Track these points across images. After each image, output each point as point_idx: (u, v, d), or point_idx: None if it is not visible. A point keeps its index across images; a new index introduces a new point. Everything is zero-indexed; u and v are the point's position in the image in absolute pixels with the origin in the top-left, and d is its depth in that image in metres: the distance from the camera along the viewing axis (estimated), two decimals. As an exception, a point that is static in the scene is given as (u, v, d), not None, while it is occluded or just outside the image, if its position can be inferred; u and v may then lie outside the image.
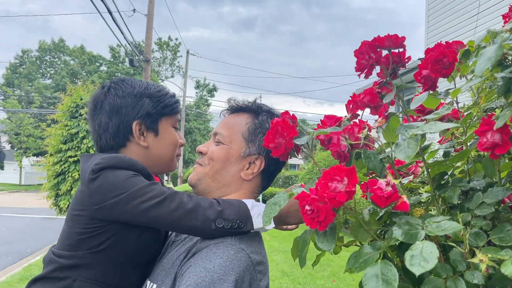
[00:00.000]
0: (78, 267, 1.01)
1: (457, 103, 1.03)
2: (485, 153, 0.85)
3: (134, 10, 15.86)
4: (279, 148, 0.91)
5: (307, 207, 0.77)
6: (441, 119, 1.12)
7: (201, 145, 1.15)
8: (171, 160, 1.20)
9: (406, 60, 0.99)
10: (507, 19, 1.06)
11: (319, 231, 0.79)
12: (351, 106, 1.03)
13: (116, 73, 34.63)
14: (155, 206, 0.94)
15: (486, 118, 0.73)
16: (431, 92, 1.03)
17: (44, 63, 38.89)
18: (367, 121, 0.96)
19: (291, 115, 1.01)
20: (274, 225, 1.01)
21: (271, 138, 0.91)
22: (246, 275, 0.89)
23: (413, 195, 1.25)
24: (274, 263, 6.77)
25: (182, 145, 1.24)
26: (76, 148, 7.90)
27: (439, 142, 1.18)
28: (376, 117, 1.05)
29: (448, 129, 1.12)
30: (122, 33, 12.89)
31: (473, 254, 0.74)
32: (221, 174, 1.09)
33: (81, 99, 9.16)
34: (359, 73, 0.98)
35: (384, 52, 0.98)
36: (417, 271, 0.65)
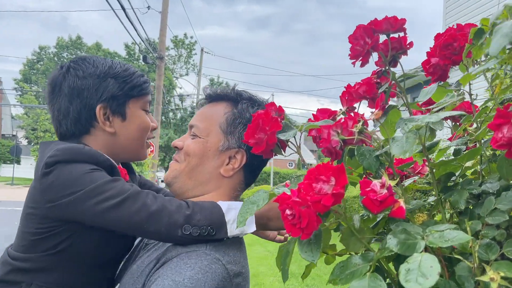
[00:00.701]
0: (33, 270, 0.92)
1: (471, 94, 0.91)
2: (501, 151, 0.73)
3: (148, 7, 15.88)
4: (260, 144, 0.80)
5: (287, 212, 0.67)
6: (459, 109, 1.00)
7: (177, 139, 1.04)
8: (141, 146, 1.09)
9: (408, 46, 0.88)
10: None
11: (301, 240, 0.68)
12: (346, 97, 0.91)
13: (131, 70, 34.88)
14: (113, 207, 0.84)
15: (502, 109, 0.61)
16: (441, 83, 0.92)
17: (62, 59, 39.35)
18: (363, 114, 0.85)
19: (278, 106, 0.90)
20: (255, 228, 0.90)
21: (251, 132, 0.81)
22: None
23: (426, 197, 1.13)
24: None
25: (154, 128, 1.13)
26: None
27: (449, 139, 1.06)
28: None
29: (458, 123, 1.01)
30: (136, 30, 12.89)
31: (483, 270, 0.62)
32: (197, 170, 0.98)
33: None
34: (354, 60, 0.86)
35: (383, 38, 0.87)
36: (413, 288, 0.54)
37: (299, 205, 0.65)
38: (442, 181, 0.84)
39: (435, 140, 0.94)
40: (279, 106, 0.91)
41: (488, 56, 0.69)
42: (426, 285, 0.54)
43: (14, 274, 0.94)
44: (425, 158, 0.95)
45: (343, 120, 0.81)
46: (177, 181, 0.99)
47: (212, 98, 1.05)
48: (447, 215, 0.83)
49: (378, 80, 0.92)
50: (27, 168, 34.97)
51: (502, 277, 0.58)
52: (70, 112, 1.01)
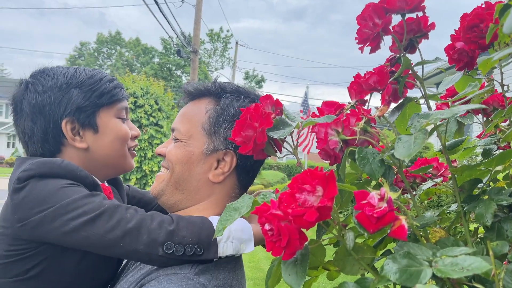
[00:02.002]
0: None
1: (502, 85, 0.77)
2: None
3: (182, 1, 15.96)
4: (247, 143, 0.69)
5: (266, 226, 0.56)
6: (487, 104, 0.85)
7: (160, 145, 0.93)
8: (122, 157, 0.99)
9: (429, 27, 0.74)
10: None
11: (284, 260, 0.57)
12: (354, 89, 0.79)
13: (167, 64, 35.33)
14: (86, 224, 0.75)
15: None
16: (467, 72, 0.78)
17: (102, 55, 40.43)
18: (370, 109, 0.72)
19: (275, 100, 0.79)
20: (253, 247, 0.78)
21: (238, 129, 0.70)
22: None
23: (448, 205, 0.99)
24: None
25: (135, 137, 1.02)
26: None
27: (478, 136, 0.92)
28: (393, 104, 0.81)
29: (490, 118, 0.86)
30: (170, 24, 12.98)
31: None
32: (184, 179, 0.87)
33: (127, 89, 9.33)
34: (362, 45, 0.74)
35: (398, 19, 0.74)
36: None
37: (279, 220, 0.54)
38: (466, 189, 0.70)
39: (460, 138, 0.81)
40: (276, 100, 0.80)
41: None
42: (429, 329, 0.42)
43: None
44: (446, 161, 0.81)
45: (345, 116, 0.68)
46: (164, 193, 0.89)
47: (193, 95, 0.93)
48: (471, 228, 0.70)
49: (393, 69, 0.79)
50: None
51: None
52: (35, 132, 0.92)
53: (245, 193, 0.76)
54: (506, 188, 0.69)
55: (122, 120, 1.00)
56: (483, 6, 0.72)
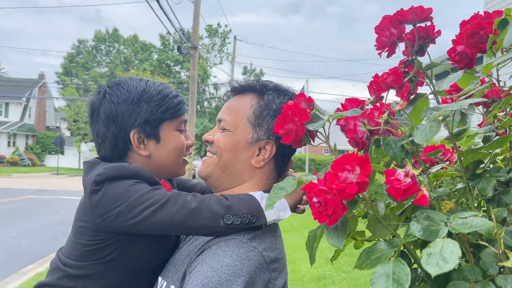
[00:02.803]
0: (85, 277, 0.99)
1: (498, 81, 0.91)
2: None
3: (181, -3, 16.00)
4: (289, 135, 0.84)
5: (314, 199, 0.70)
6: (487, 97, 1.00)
7: (207, 133, 1.07)
8: (177, 165, 1.13)
9: (436, 34, 0.88)
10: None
11: (328, 226, 0.72)
12: (374, 87, 0.93)
13: (166, 61, 35.36)
14: (157, 210, 0.89)
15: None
16: (467, 70, 0.92)
17: (100, 52, 40.43)
18: (389, 104, 0.87)
19: (307, 97, 0.93)
20: (290, 213, 0.94)
21: (281, 123, 0.84)
22: (258, 275, 0.83)
23: (455, 184, 1.14)
24: (319, 250, 6.68)
25: (190, 146, 1.15)
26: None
27: (478, 125, 1.06)
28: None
29: (489, 109, 1.00)
30: (169, 20, 13.07)
31: (508, 256, 0.64)
32: (230, 163, 1.01)
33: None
34: (380, 51, 0.88)
35: (410, 28, 0.88)
36: (433, 271, 0.57)
37: (325, 194, 0.68)
38: (471, 169, 0.85)
39: (464, 127, 0.95)
40: (309, 97, 0.94)
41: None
42: (446, 268, 0.56)
43: (66, 280, 1.01)
44: (453, 146, 0.95)
45: (369, 111, 0.83)
46: (212, 175, 1.03)
47: (238, 90, 1.06)
48: (475, 203, 0.84)
49: (406, 70, 0.93)
50: (70, 159, 36.49)
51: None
52: (107, 137, 1.05)
53: (289, 176, 0.91)
54: (503, 167, 0.84)
55: (180, 132, 1.12)
56: (483, 14, 0.87)
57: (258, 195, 0.94)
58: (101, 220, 0.94)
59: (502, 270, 0.66)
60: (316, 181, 0.71)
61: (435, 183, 1.07)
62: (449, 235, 0.68)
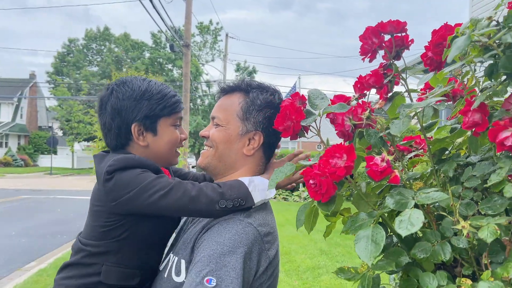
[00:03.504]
0: (104, 254, 1.15)
1: (463, 82, 1.08)
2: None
3: (173, -4, 16.06)
4: (288, 131, 1.01)
5: (311, 181, 0.87)
6: (448, 96, 1.17)
7: (203, 130, 1.24)
8: (171, 155, 1.29)
9: (410, 42, 1.05)
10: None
11: (322, 202, 0.89)
12: (358, 86, 1.10)
13: (158, 59, 35.33)
14: (163, 197, 1.06)
15: (469, 99, 0.80)
16: (436, 72, 1.09)
17: (91, 51, 40.28)
18: (370, 102, 1.04)
19: (301, 95, 1.10)
20: (274, 193, 1.13)
21: (280, 121, 1.01)
22: (254, 246, 1.00)
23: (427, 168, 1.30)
24: (313, 242, 6.90)
25: (184, 139, 1.32)
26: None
27: (448, 118, 1.23)
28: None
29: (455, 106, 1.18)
30: (162, 19, 13.17)
31: (458, 221, 0.82)
32: (225, 154, 1.18)
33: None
34: (364, 57, 1.05)
35: (388, 37, 1.05)
36: (403, 233, 0.74)
37: (319, 176, 0.86)
38: (437, 155, 1.02)
39: (434, 120, 1.12)
40: (302, 95, 1.11)
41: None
42: (413, 230, 0.74)
43: (88, 257, 1.16)
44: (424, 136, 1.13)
45: (353, 108, 1.00)
46: (210, 165, 1.20)
47: (226, 90, 1.24)
48: (441, 183, 1.02)
49: (385, 72, 1.10)
50: (63, 158, 36.40)
51: (471, 225, 0.77)
52: (112, 127, 1.22)
53: (287, 162, 1.07)
54: (462, 154, 1.01)
55: (175, 127, 1.28)
56: (447, 27, 1.04)
57: (247, 180, 1.10)
58: (114, 204, 1.10)
59: (457, 233, 0.83)
60: (310, 167, 0.89)
61: (412, 168, 1.25)
62: (417, 207, 0.86)
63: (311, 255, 6.22)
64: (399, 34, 1.05)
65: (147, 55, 36.89)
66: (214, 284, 0.91)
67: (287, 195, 13.59)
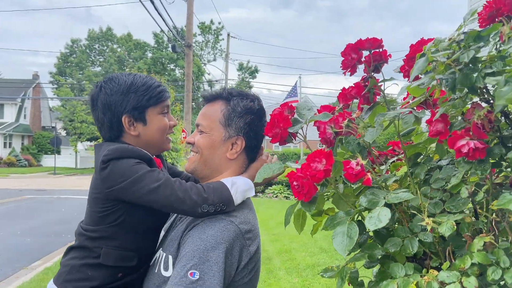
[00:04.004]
0: (102, 238, 1.25)
1: (430, 96, 1.19)
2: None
3: (174, -4, 16.17)
4: (275, 137, 1.11)
5: (294, 183, 0.98)
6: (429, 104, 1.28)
7: (188, 136, 1.33)
8: (162, 142, 1.38)
9: (387, 57, 1.16)
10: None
11: (304, 202, 1.00)
12: (341, 98, 1.21)
13: (161, 59, 35.49)
14: (152, 191, 1.14)
15: (434, 111, 0.90)
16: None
17: (94, 51, 40.49)
18: (351, 112, 1.15)
19: (290, 105, 1.20)
20: (253, 193, 1.23)
21: (269, 128, 1.12)
22: (236, 242, 1.10)
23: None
24: (314, 240, 7.00)
25: (173, 126, 1.41)
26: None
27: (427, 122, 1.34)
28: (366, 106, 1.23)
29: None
30: (163, 19, 13.29)
31: (424, 219, 0.92)
32: (210, 159, 1.26)
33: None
34: (344, 71, 1.16)
35: (367, 53, 1.15)
36: (372, 228, 0.86)
37: (302, 179, 0.97)
38: (412, 159, 1.13)
39: (412, 127, 1.23)
40: (290, 105, 1.21)
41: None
42: (380, 225, 0.85)
43: (88, 241, 1.26)
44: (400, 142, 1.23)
45: (335, 117, 1.11)
46: (196, 170, 1.28)
47: (209, 99, 1.32)
48: (417, 185, 1.12)
49: (366, 84, 1.21)
50: (67, 158, 36.58)
51: (434, 222, 0.88)
52: (104, 121, 1.31)
53: (277, 160, 1.17)
54: (434, 158, 1.12)
55: (163, 115, 1.36)
56: (421, 42, 1.14)
57: (229, 182, 1.19)
58: (109, 191, 1.20)
59: (425, 229, 0.94)
60: (295, 170, 0.99)
61: (395, 171, 1.35)
62: (390, 206, 0.97)
63: (311, 253, 6.33)
64: (377, 50, 1.16)
65: (150, 55, 37.00)
66: (198, 277, 1.01)
67: (288, 194, 13.71)
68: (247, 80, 38.68)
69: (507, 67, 0.77)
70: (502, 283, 0.81)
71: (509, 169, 0.94)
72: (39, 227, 9.06)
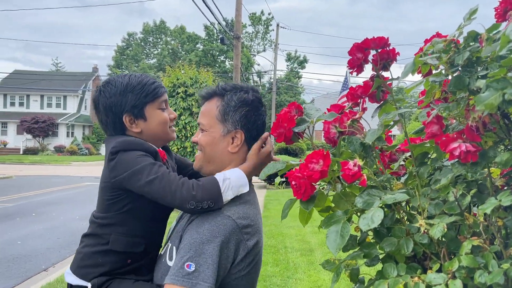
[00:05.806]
0: (111, 225, 1.35)
1: (444, 91, 1.17)
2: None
3: (223, -11, 16.32)
4: (280, 137, 1.15)
5: (293, 182, 1.02)
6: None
7: (193, 136, 1.38)
8: (165, 134, 1.46)
9: (396, 55, 1.15)
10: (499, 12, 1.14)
11: (302, 200, 1.03)
12: (349, 97, 1.22)
13: (211, 51, 36.04)
14: (147, 183, 1.22)
15: (429, 113, 0.90)
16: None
17: (148, 44, 41.84)
18: (356, 111, 1.15)
19: (297, 105, 1.23)
20: (248, 189, 1.25)
21: (275, 128, 1.15)
22: (232, 236, 1.14)
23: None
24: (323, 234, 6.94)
25: (173, 119, 1.48)
26: (175, 124, 8.67)
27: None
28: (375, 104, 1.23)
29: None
30: (211, 12, 13.49)
31: (417, 220, 0.92)
32: (213, 155, 1.31)
33: (178, 79, 9.91)
34: (352, 70, 1.16)
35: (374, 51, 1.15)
36: (364, 228, 0.87)
37: (299, 178, 1.00)
38: (419, 159, 1.12)
39: (422, 126, 1.22)
40: (298, 105, 1.24)
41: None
42: (372, 226, 0.86)
43: (99, 228, 1.36)
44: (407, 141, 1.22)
45: (339, 116, 1.12)
46: (202, 167, 1.34)
47: (206, 97, 1.35)
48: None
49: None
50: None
51: (427, 224, 0.88)
52: (108, 123, 1.41)
53: (280, 160, 1.21)
54: (439, 159, 1.10)
55: (162, 110, 1.44)
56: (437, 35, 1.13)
57: (221, 177, 1.22)
58: (114, 180, 1.30)
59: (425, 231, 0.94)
60: (294, 169, 1.03)
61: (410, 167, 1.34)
62: (390, 206, 0.98)
63: (317, 246, 6.32)
64: (385, 49, 1.15)
65: (201, 47, 37.68)
66: (193, 269, 1.08)
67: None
68: (296, 70, 38.39)
69: (496, 70, 0.75)
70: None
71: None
72: (95, 213, 9.62)
